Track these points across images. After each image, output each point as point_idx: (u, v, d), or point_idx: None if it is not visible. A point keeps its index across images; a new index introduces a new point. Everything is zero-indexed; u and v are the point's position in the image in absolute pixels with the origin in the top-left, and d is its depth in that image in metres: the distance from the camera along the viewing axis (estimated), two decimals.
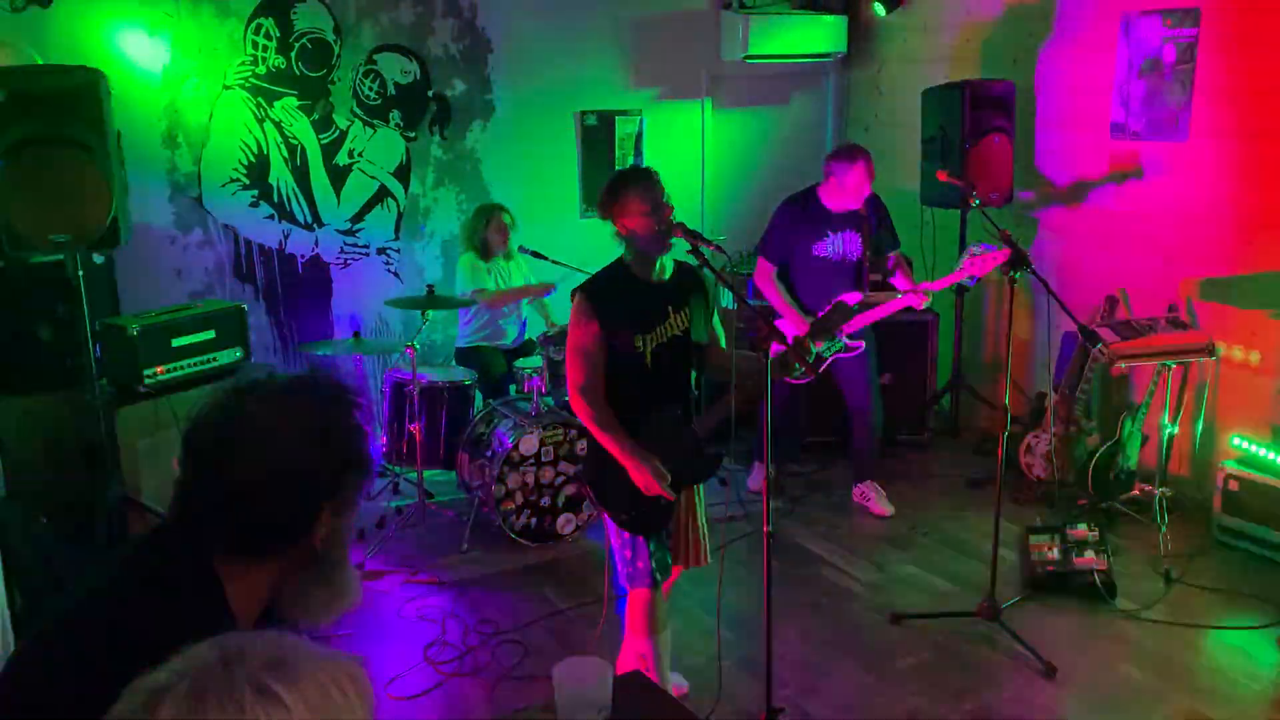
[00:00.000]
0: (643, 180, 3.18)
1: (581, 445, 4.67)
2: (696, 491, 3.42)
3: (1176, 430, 4.76)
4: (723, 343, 3.44)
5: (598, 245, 3.60)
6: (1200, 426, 4.92)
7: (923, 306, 4.58)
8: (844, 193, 4.67)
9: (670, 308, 3.23)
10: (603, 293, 3.16)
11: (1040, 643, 3.78)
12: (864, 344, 4.73)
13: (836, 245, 4.79)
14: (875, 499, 5.05)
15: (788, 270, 4.85)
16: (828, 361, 4.63)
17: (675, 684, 3.57)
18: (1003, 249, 4.06)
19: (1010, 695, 3.55)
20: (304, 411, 1.40)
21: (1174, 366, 4.57)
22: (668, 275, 3.25)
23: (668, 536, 3.35)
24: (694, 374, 3.38)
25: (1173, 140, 4.98)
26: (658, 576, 3.27)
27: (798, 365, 3.05)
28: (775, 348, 2.94)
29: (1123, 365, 4.57)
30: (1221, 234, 4.83)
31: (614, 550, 3.33)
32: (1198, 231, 4.93)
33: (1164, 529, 4.47)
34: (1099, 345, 4.38)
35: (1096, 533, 4.27)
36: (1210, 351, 4.48)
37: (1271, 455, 4.47)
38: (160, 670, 0.99)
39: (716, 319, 3.44)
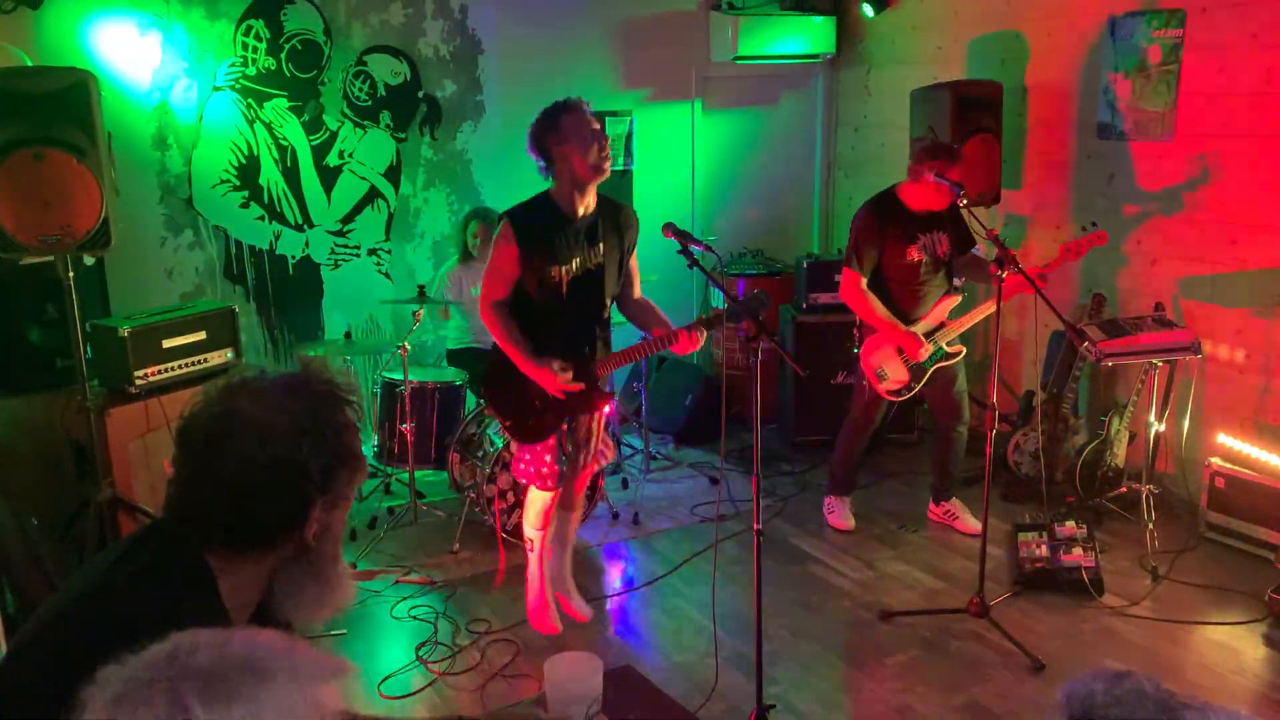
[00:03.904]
0: (578, 107, 3.39)
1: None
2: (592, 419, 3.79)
3: (1163, 428, 4.80)
4: (638, 289, 3.70)
5: None
6: (1187, 424, 4.96)
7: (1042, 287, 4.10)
8: (940, 193, 4.29)
9: (587, 242, 3.45)
10: (525, 221, 3.42)
11: (1028, 639, 3.82)
12: (964, 349, 4.64)
13: (929, 247, 4.50)
14: (963, 516, 4.85)
15: (876, 281, 4.55)
16: (929, 372, 4.56)
17: (579, 608, 4.01)
18: (1097, 232, 4.32)
19: (999, 691, 3.57)
20: (295, 407, 1.40)
21: (1160, 365, 4.60)
22: (590, 210, 3.46)
23: (565, 454, 3.79)
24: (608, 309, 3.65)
25: (1159, 140, 5.02)
26: (548, 484, 3.68)
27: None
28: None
29: (1109, 363, 4.59)
30: (1207, 233, 4.87)
31: (518, 453, 3.72)
32: (1184, 230, 4.97)
33: (1151, 526, 4.50)
34: (1086, 344, 4.41)
35: (1084, 530, 4.30)
36: (1196, 349, 4.52)
37: (1257, 452, 4.50)
38: (117, 664, 0.99)
39: (635, 261, 3.68)
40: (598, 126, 3.36)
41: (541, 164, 3.42)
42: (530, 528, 3.86)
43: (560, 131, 3.35)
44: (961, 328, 4.60)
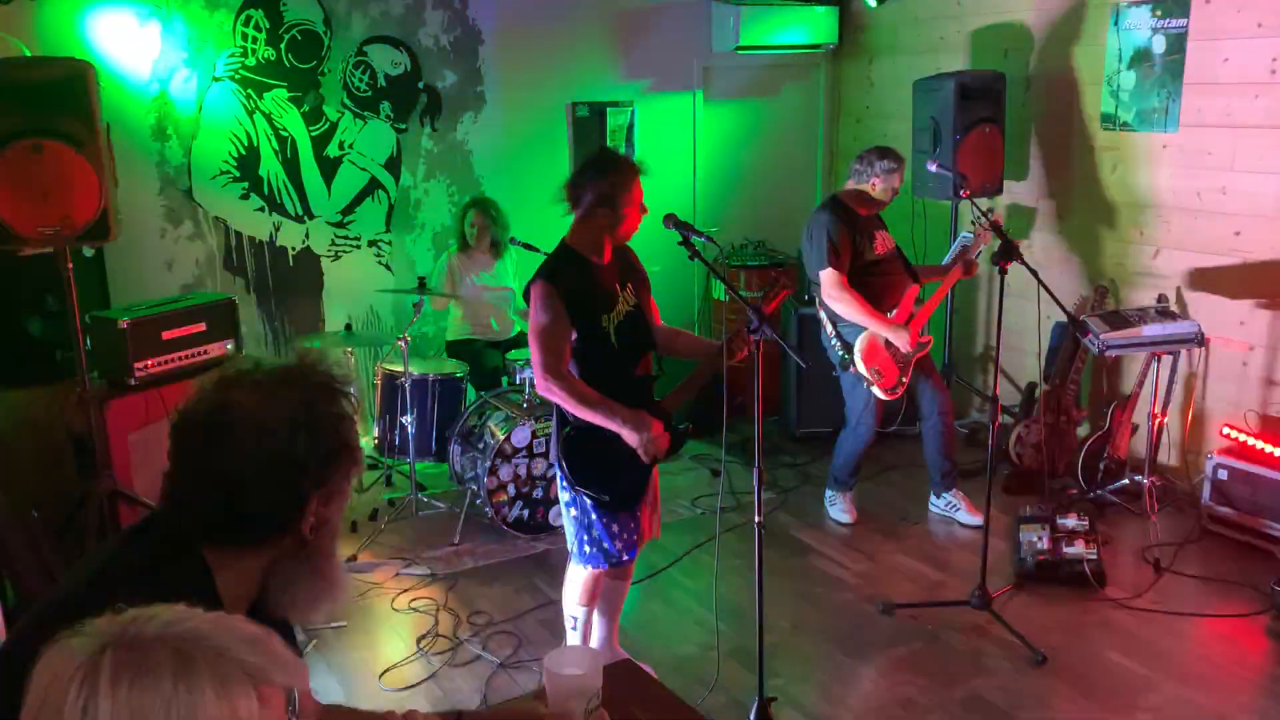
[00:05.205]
0: (638, 173, 3.21)
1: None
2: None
3: (1166, 420, 4.78)
4: (658, 318, 3.49)
5: None
6: (1189, 416, 4.94)
7: (975, 274, 4.81)
8: (888, 192, 4.58)
9: (617, 285, 3.27)
10: (563, 278, 3.14)
11: (1030, 631, 3.81)
12: (932, 339, 4.69)
13: (886, 242, 4.65)
14: (964, 508, 4.82)
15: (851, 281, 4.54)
16: (910, 364, 4.57)
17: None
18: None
19: (1001, 683, 3.56)
20: (291, 400, 1.39)
21: (1164, 356, 4.59)
22: (611, 255, 3.30)
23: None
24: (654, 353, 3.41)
25: (1162, 131, 4.99)
26: (624, 557, 3.31)
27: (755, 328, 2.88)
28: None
29: (1112, 355, 4.58)
30: (1210, 224, 4.85)
31: (581, 529, 3.29)
32: (1187, 221, 4.95)
33: (1153, 518, 4.49)
34: (1089, 335, 4.40)
35: (1086, 522, 4.30)
36: (1199, 341, 4.50)
37: (1260, 444, 4.49)
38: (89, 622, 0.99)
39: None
40: (644, 207, 3.21)
41: (587, 198, 3.16)
42: (575, 604, 3.42)
43: (625, 186, 3.14)
44: (928, 314, 4.63)
